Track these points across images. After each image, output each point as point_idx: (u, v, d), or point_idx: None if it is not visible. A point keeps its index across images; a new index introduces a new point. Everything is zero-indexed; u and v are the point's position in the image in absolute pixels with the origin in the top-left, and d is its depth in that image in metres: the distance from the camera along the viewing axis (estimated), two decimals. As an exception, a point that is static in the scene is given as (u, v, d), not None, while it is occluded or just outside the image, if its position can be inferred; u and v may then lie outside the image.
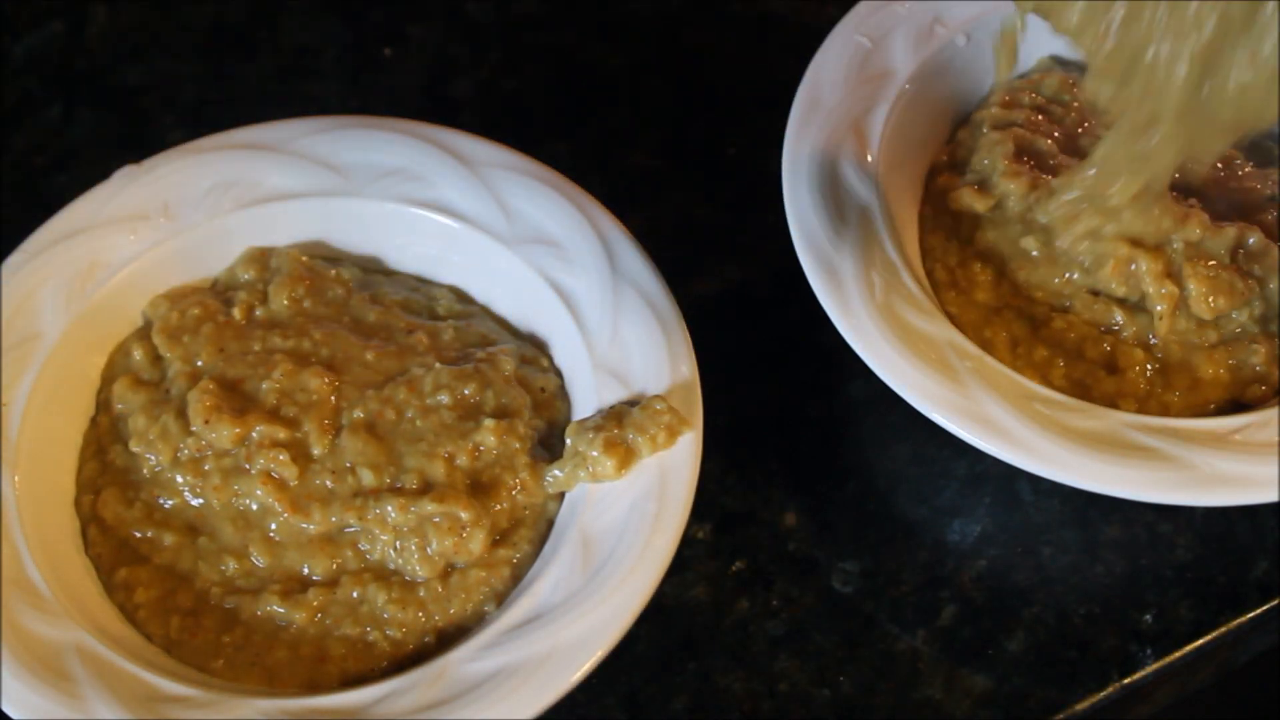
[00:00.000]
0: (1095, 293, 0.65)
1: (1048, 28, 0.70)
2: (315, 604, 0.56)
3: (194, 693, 0.53)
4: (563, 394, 0.63)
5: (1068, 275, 0.65)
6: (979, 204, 0.68)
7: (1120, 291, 0.64)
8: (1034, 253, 0.65)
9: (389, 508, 0.57)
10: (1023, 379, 0.60)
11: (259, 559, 0.58)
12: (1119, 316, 0.64)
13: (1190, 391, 0.63)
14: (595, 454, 0.57)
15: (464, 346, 0.64)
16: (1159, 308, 0.63)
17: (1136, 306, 0.64)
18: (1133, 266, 0.64)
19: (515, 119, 0.82)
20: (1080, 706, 0.61)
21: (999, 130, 0.70)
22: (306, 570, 0.58)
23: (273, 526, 0.58)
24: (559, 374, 0.63)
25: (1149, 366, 0.63)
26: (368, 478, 0.58)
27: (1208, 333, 0.63)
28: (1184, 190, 0.68)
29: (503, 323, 0.66)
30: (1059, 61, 0.74)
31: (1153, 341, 0.63)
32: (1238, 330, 0.64)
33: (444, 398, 0.60)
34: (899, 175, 0.70)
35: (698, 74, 0.83)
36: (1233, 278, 0.63)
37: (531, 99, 0.83)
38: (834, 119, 0.68)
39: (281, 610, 0.56)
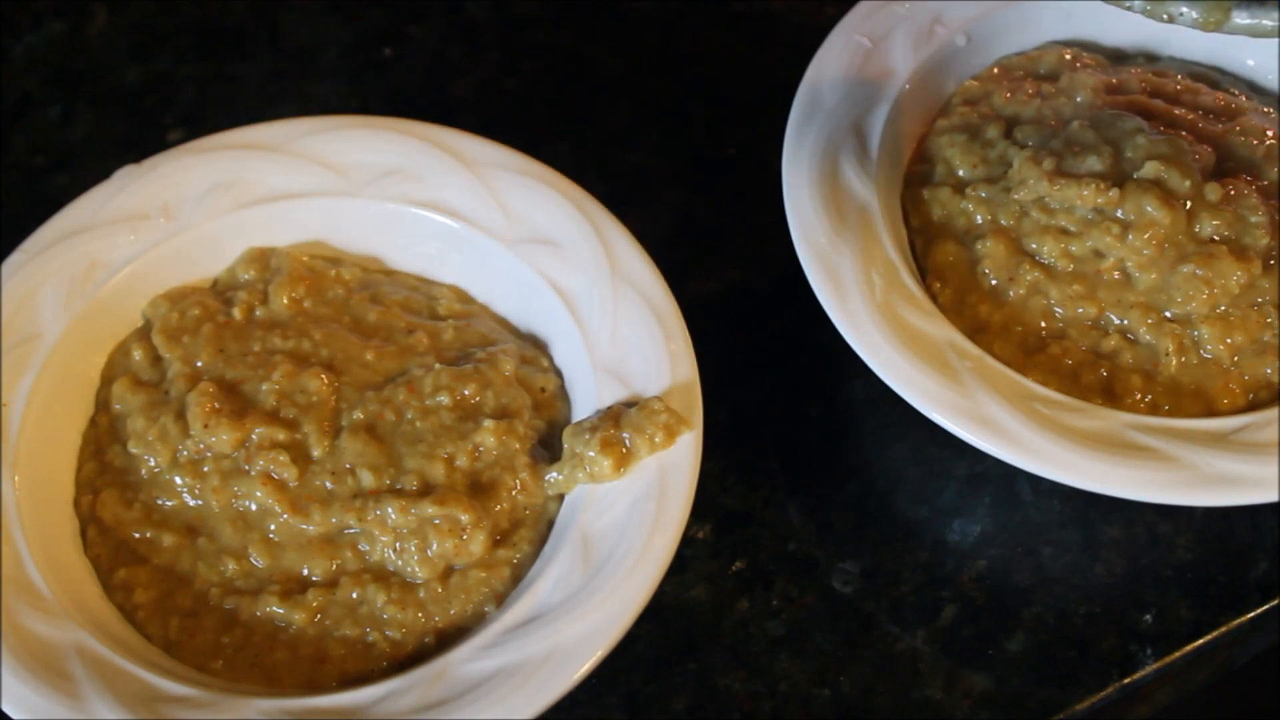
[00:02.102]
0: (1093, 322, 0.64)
1: (1054, 17, 0.71)
2: (315, 605, 0.56)
3: (194, 693, 0.53)
4: (563, 394, 0.63)
5: (1046, 311, 0.64)
6: (914, 215, 0.68)
7: (1113, 328, 0.64)
8: (993, 281, 0.65)
9: (389, 509, 0.57)
10: (1023, 379, 0.60)
11: (258, 560, 0.58)
12: (1117, 344, 0.63)
13: (1201, 416, 0.61)
14: (592, 454, 0.57)
15: (464, 346, 0.64)
16: (1166, 355, 0.62)
17: (1138, 339, 0.63)
18: (1108, 317, 0.64)
19: (515, 119, 0.82)
20: (1080, 706, 0.61)
21: (959, 112, 0.70)
22: (306, 571, 0.57)
23: (272, 527, 0.58)
24: (559, 374, 0.63)
25: (1147, 396, 0.62)
26: (367, 479, 0.58)
27: (1222, 358, 0.62)
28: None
29: (503, 322, 0.66)
30: (1060, 44, 0.74)
31: (1163, 360, 0.63)
32: (1253, 347, 0.63)
33: (444, 398, 0.60)
34: (898, 175, 0.70)
35: (698, 74, 0.83)
36: (1246, 311, 0.63)
37: (531, 99, 0.83)
38: (834, 119, 0.68)
39: (281, 611, 0.56)
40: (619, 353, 0.61)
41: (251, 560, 0.58)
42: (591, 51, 0.85)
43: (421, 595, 0.57)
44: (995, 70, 0.73)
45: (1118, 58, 0.75)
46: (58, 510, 0.60)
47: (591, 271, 0.63)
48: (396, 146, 0.67)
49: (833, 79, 0.69)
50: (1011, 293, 0.64)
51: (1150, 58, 0.75)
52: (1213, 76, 0.73)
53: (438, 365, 0.61)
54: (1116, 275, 0.64)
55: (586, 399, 0.61)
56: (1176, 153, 0.65)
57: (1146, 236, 0.63)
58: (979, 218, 0.66)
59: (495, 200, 0.65)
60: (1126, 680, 0.61)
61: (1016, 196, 0.65)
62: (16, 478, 0.58)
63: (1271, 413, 0.59)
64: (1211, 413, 0.61)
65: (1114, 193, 0.64)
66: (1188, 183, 0.64)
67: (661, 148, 0.80)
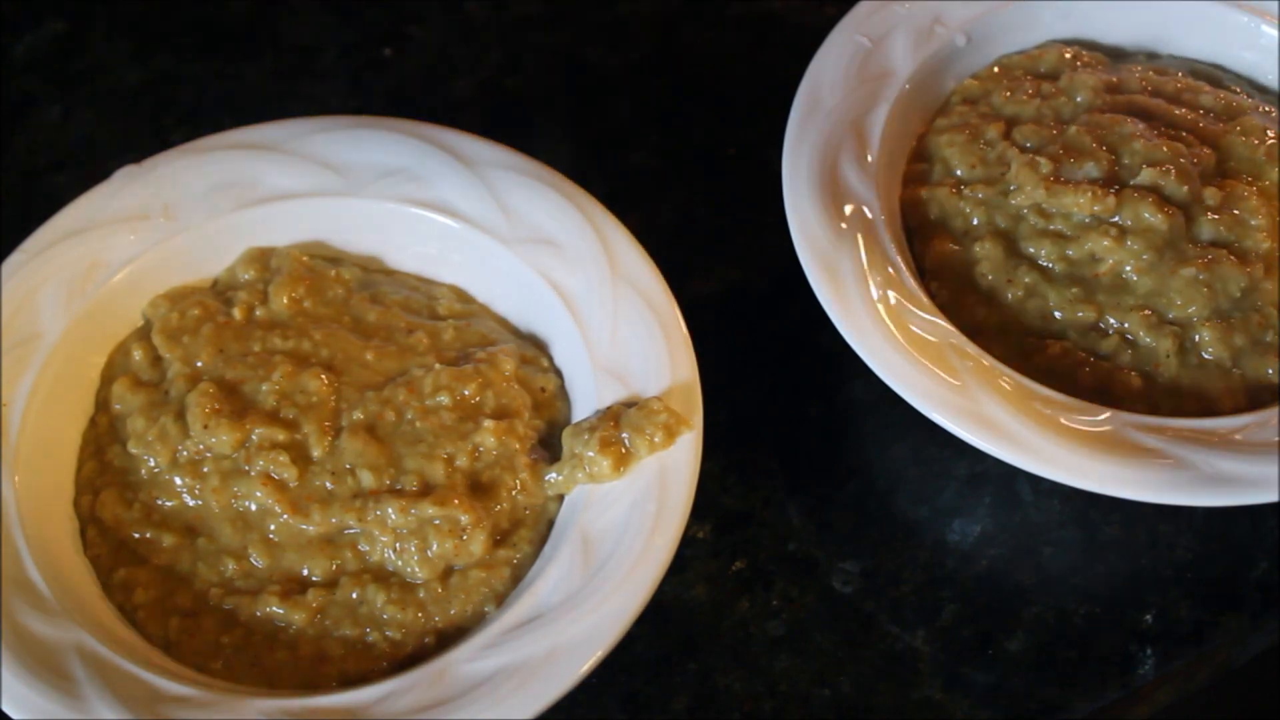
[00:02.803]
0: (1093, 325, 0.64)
1: (1054, 16, 0.71)
2: (314, 605, 0.56)
3: (194, 693, 0.53)
4: (563, 394, 0.63)
5: (1045, 312, 0.64)
6: (912, 215, 0.67)
7: (1112, 330, 0.64)
8: (990, 283, 0.65)
9: (389, 510, 0.57)
10: (1023, 379, 0.60)
11: (258, 560, 0.57)
12: (1116, 346, 0.63)
13: (1200, 415, 0.61)
14: (591, 455, 0.57)
15: (464, 346, 0.63)
16: (1166, 356, 0.62)
17: (1137, 341, 0.63)
18: (1106, 320, 0.64)
19: (515, 119, 0.82)
20: (1080, 706, 0.61)
21: (959, 112, 0.70)
22: (306, 571, 0.57)
23: (272, 528, 0.58)
24: (559, 374, 0.63)
25: (1147, 397, 0.61)
26: (367, 479, 0.58)
27: (1223, 359, 0.62)
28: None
29: (503, 322, 0.66)
30: (1060, 43, 0.74)
31: (1163, 362, 0.63)
32: (1255, 348, 0.63)
33: (444, 399, 0.60)
34: (898, 175, 0.70)
35: (698, 74, 0.83)
36: (1247, 314, 0.63)
37: (531, 99, 0.83)
38: (834, 119, 0.68)
39: (280, 611, 0.56)
40: (619, 353, 0.61)
41: (251, 560, 0.58)
42: (591, 51, 0.85)
43: (421, 595, 0.57)
44: (995, 69, 0.73)
45: (1118, 56, 0.75)
46: (58, 510, 0.60)
47: (591, 271, 0.63)
48: (396, 146, 0.67)
49: (833, 79, 0.69)
50: (1009, 294, 0.64)
51: (1151, 56, 0.75)
52: (1214, 74, 0.73)
53: (438, 365, 0.61)
54: (1115, 279, 0.64)
55: (586, 399, 0.61)
56: (1174, 158, 0.65)
57: (1145, 241, 0.63)
58: (976, 219, 0.66)
59: (495, 200, 0.65)
60: (1126, 680, 0.61)
61: (1014, 202, 0.65)
62: (16, 478, 0.58)
63: (1271, 412, 0.59)
64: (1211, 413, 0.61)
65: (1110, 200, 0.64)
66: (1185, 188, 0.64)
67: (661, 148, 0.80)
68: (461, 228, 0.65)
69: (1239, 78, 0.74)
